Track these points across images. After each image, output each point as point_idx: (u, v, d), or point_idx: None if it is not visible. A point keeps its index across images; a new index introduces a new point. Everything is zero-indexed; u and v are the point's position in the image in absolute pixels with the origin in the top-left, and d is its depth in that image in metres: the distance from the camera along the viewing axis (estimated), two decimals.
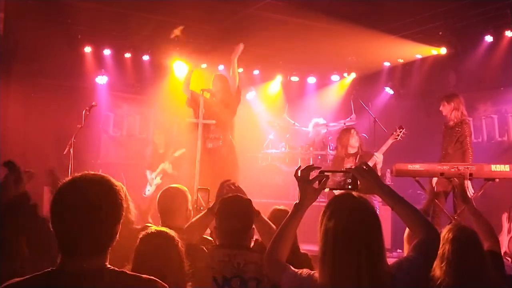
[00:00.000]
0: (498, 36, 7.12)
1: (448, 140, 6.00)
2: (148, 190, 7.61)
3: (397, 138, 6.27)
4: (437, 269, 2.36)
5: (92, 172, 1.71)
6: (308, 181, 2.02)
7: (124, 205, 1.68)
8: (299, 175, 2.06)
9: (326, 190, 2.07)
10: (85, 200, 1.58)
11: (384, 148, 6.29)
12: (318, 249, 1.82)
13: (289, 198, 7.65)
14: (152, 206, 6.73)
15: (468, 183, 5.61)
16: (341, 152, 6.67)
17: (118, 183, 1.72)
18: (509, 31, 6.91)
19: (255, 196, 8.21)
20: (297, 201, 2.05)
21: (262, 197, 8.11)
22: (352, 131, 6.68)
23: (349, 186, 2.01)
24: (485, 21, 7.17)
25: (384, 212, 6.61)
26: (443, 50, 7.77)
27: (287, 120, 9.00)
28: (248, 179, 8.45)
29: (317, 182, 2.03)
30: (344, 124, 8.41)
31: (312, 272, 1.87)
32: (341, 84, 9.80)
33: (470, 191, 5.60)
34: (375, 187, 1.99)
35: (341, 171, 2.05)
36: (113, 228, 1.63)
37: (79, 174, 1.67)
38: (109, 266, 1.63)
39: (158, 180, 7.55)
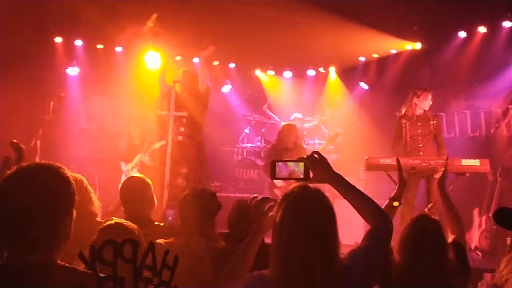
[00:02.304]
0: (471, 32, 7.19)
1: (422, 134, 5.96)
2: None
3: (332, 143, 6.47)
4: (397, 254, 2.38)
5: (43, 162, 1.63)
6: (263, 212, 1.97)
7: (76, 197, 1.59)
8: (253, 204, 2.02)
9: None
10: (27, 190, 1.50)
11: (319, 146, 6.53)
12: (272, 241, 1.79)
13: (263, 192, 7.62)
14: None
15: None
16: (280, 145, 7.10)
17: (71, 174, 1.64)
18: (482, 27, 6.97)
19: (229, 190, 8.23)
20: (254, 225, 2.01)
21: (237, 192, 8.07)
22: (293, 127, 7.18)
23: (301, 176, 1.98)
24: (459, 17, 7.23)
25: None
26: (417, 45, 7.80)
27: (265, 113, 8.96)
28: (223, 173, 8.41)
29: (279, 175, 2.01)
30: (319, 118, 8.43)
31: (262, 271, 1.83)
32: (319, 78, 9.78)
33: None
34: (327, 176, 1.97)
35: (293, 161, 2.02)
36: (61, 220, 1.54)
37: (27, 163, 1.59)
38: (59, 262, 1.54)
39: (135, 172, 7.42)
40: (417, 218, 2.51)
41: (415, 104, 5.99)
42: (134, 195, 3.18)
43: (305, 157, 2.00)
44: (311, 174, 1.98)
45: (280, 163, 2.02)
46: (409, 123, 5.99)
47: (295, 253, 1.71)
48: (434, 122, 6.03)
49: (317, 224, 1.73)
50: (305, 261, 1.69)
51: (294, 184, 1.89)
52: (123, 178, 7.47)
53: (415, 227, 2.43)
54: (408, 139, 5.95)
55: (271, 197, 2.03)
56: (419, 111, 6.00)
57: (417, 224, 2.45)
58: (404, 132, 5.98)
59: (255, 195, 2.08)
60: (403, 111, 6.09)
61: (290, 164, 2.01)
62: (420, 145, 5.91)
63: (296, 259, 1.70)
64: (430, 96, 5.98)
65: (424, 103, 5.97)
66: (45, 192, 1.51)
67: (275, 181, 7.29)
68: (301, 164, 1.99)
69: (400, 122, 6.06)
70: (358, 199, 1.95)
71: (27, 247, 1.49)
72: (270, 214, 1.94)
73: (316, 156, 1.99)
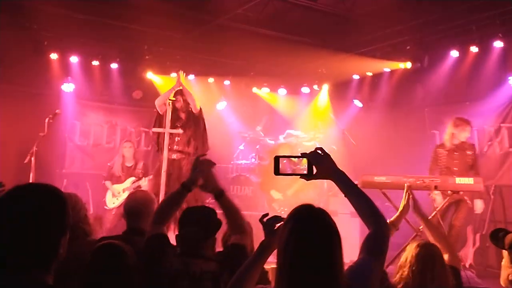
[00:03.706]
0: (464, 51, 7.27)
1: (458, 164, 6.00)
2: (113, 203, 7.38)
3: None
4: (399, 276, 2.41)
5: (39, 182, 1.64)
6: (273, 231, 1.98)
7: (70, 219, 1.59)
8: (264, 222, 2.03)
9: None
10: (22, 211, 1.50)
11: None
12: (277, 260, 1.78)
13: (258, 209, 7.61)
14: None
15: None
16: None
17: (66, 192, 1.65)
18: (474, 46, 7.06)
19: None
20: (263, 241, 2.02)
21: None
22: (286, 146, 7.32)
23: (305, 172, 1.98)
24: (451, 36, 7.32)
25: (352, 224, 6.63)
26: (408, 65, 7.86)
27: (258, 132, 8.99)
28: None
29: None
30: (314, 135, 8.45)
31: (265, 286, 1.82)
32: (319, 96, 9.84)
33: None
34: (331, 172, 1.97)
35: (297, 156, 2.01)
36: (54, 241, 1.54)
37: (23, 184, 1.59)
38: (50, 283, 1.52)
39: (126, 195, 7.36)
40: (422, 245, 2.56)
41: (453, 134, 6.08)
42: (137, 208, 3.20)
43: (308, 153, 1.99)
44: (314, 170, 1.97)
45: (284, 159, 2.02)
46: (446, 153, 6.06)
47: (300, 272, 1.70)
48: (471, 152, 6.07)
49: (322, 244, 1.72)
50: (310, 281, 1.68)
51: (299, 204, 1.87)
52: (112, 199, 7.40)
53: (421, 253, 2.48)
54: (443, 169, 6.01)
55: (280, 216, 2.01)
56: (456, 141, 6.09)
57: (423, 250, 2.50)
58: (440, 162, 6.04)
59: (266, 213, 2.07)
60: (443, 139, 6.20)
61: (294, 160, 2.01)
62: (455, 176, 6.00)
63: (301, 278, 1.69)
64: (469, 128, 6.08)
65: (461, 134, 6.06)
66: (40, 213, 1.51)
67: (272, 194, 7.25)
68: (305, 160, 1.98)
69: (436, 151, 6.15)
70: (359, 198, 1.94)
71: (20, 268, 1.48)
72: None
73: (320, 152, 1.98)
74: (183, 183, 2.73)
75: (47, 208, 1.54)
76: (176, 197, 2.72)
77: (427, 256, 2.51)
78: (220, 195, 2.68)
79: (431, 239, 2.93)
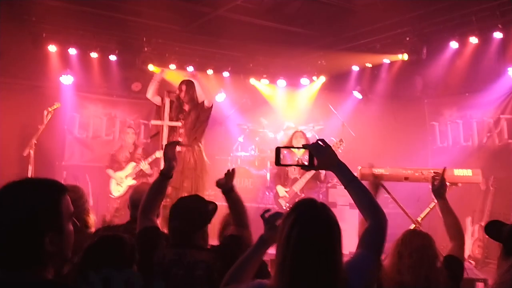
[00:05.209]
0: (463, 42, 7.24)
1: None
2: (118, 191, 7.42)
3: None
4: (390, 267, 2.43)
5: (35, 178, 1.64)
6: (274, 226, 2.02)
7: (64, 213, 1.57)
8: (266, 217, 2.07)
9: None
10: (14, 207, 1.50)
11: None
12: (277, 253, 1.79)
13: (257, 201, 7.62)
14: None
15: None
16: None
17: (70, 186, 1.65)
18: (474, 37, 7.03)
19: (223, 199, 8.21)
20: (263, 235, 2.06)
21: None
22: (297, 133, 7.17)
23: (306, 163, 1.99)
24: (451, 27, 7.29)
25: (351, 215, 6.66)
26: (405, 56, 7.81)
27: (258, 123, 8.98)
28: None
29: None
30: (313, 127, 8.44)
31: (264, 280, 1.84)
32: (311, 87, 9.84)
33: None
34: (332, 164, 1.98)
35: (298, 147, 2.03)
36: (44, 236, 1.52)
37: (18, 179, 1.59)
38: (48, 278, 1.52)
39: (130, 181, 7.41)
40: (406, 234, 2.57)
41: None
42: (140, 198, 3.15)
43: (309, 144, 2.00)
44: (315, 162, 1.98)
45: (285, 150, 2.03)
46: None
47: (300, 266, 1.71)
48: None
49: (323, 239, 1.74)
50: (310, 274, 1.70)
51: (299, 199, 1.89)
52: (116, 187, 7.44)
53: (403, 242, 2.49)
54: None
55: (280, 211, 2.03)
56: None
57: (405, 239, 2.51)
58: None
59: (269, 209, 2.10)
60: None
61: (295, 151, 2.03)
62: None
63: (301, 272, 1.71)
64: None
65: None
66: (25, 209, 1.50)
67: (278, 191, 7.18)
68: (306, 151, 1.99)
69: None
70: (359, 191, 1.95)
71: (17, 265, 1.48)
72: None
73: (321, 143, 1.99)
74: (161, 172, 2.82)
75: (32, 204, 1.52)
76: (158, 186, 2.79)
77: (405, 239, 2.54)
78: (229, 191, 2.76)
79: (445, 223, 2.91)
